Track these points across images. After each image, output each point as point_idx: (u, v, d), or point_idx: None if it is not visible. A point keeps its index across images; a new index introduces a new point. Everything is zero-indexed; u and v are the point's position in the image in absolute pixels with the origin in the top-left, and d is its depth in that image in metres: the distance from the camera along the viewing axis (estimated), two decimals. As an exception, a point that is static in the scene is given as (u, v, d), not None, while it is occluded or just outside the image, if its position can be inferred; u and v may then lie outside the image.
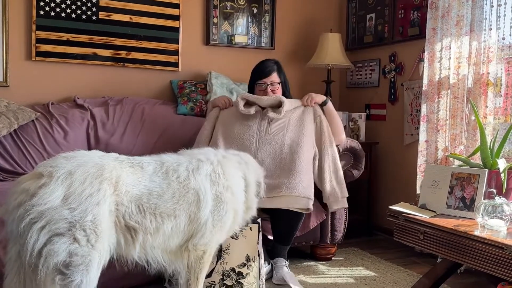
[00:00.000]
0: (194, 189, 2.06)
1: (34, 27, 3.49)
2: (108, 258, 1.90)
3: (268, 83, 3.14)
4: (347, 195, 3.07)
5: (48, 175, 1.79)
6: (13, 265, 1.81)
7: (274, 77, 3.16)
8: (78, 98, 3.56)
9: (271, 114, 3.02)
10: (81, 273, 1.77)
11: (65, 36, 3.58)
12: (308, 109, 3.12)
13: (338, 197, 3.03)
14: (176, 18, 3.90)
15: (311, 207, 2.87)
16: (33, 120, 3.26)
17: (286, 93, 3.21)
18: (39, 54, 3.52)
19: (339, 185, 3.04)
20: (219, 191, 2.13)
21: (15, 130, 3.17)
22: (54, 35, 3.55)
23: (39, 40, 3.51)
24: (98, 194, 1.81)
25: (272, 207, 2.84)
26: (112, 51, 3.72)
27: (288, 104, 3.06)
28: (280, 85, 3.19)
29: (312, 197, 2.89)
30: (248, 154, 2.51)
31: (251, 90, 3.25)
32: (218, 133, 3.09)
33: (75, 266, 1.75)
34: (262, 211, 2.99)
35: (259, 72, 3.18)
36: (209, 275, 2.50)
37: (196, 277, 2.17)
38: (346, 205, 3.09)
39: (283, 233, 2.94)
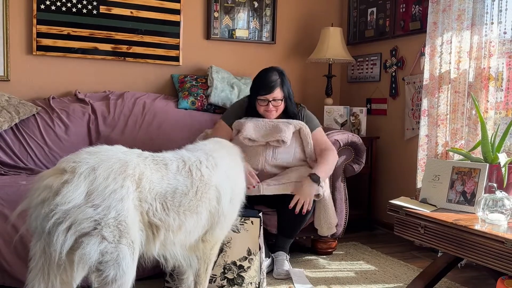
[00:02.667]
0: (214, 185, 2.11)
1: (35, 21, 3.48)
2: (140, 249, 1.91)
3: (270, 100, 2.90)
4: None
5: (71, 171, 1.78)
6: (38, 261, 1.80)
7: (277, 93, 2.90)
8: (79, 92, 3.56)
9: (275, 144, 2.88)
10: (112, 268, 1.78)
11: (66, 30, 3.58)
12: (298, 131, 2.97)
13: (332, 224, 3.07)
14: (177, 12, 3.90)
15: (321, 193, 2.88)
16: (34, 115, 3.26)
17: (289, 108, 2.99)
18: (40, 48, 3.52)
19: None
20: (231, 186, 2.21)
21: (16, 125, 3.18)
22: (55, 29, 3.55)
23: (40, 34, 3.51)
24: (122, 190, 1.81)
25: (285, 192, 2.82)
26: (112, 45, 3.72)
27: (288, 133, 2.87)
28: (284, 100, 2.96)
29: (323, 185, 2.90)
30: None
31: (252, 100, 2.98)
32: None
33: (106, 262, 1.77)
34: (267, 205, 3.00)
35: (261, 87, 2.91)
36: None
37: (206, 267, 2.25)
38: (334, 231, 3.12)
39: (290, 225, 2.94)
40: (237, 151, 2.45)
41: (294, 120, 2.97)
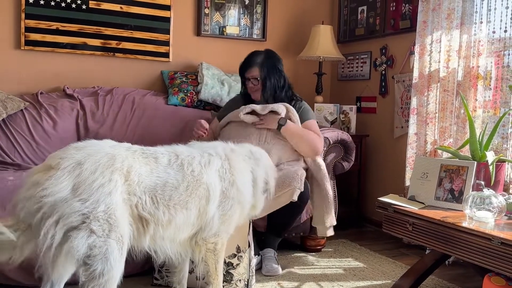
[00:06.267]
0: (205, 184, 2.06)
1: (23, 15, 3.44)
2: (129, 244, 1.90)
3: (248, 77, 2.99)
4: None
5: (56, 167, 1.79)
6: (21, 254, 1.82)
7: (255, 71, 2.97)
8: (67, 88, 3.53)
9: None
10: (100, 262, 1.78)
11: (54, 25, 3.54)
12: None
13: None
14: (167, 8, 3.87)
15: (296, 198, 2.72)
16: (22, 110, 3.23)
17: (277, 96, 3.02)
18: (28, 43, 3.48)
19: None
20: (225, 187, 2.12)
21: (3, 120, 3.14)
22: (43, 24, 3.51)
23: (28, 29, 3.47)
24: (110, 184, 1.81)
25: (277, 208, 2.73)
26: (102, 40, 3.69)
27: (281, 109, 2.90)
28: (260, 82, 2.98)
29: (302, 188, 2.87)
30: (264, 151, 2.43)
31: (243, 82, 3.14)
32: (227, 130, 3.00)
33: (94, 256, 1.77)
34: None
35: (242, 65, 3.05)
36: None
37: (214, 269, 2.20)
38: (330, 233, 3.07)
39: (279, 224, 2.94)
40: (247, 157, 2.29)
41: (286, 104, 2.98)
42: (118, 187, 1.83)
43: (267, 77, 2.99)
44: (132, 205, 1.88)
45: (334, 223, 3.06)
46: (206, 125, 2.93)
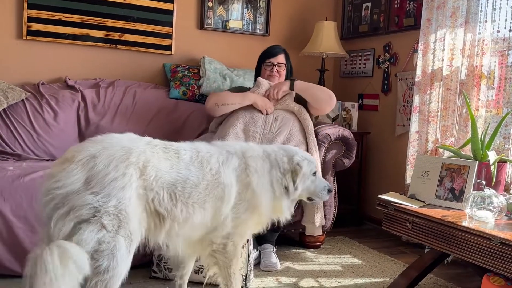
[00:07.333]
0: (223, 184, 1.99)
1: (25, 5, 3.43)
2: (138, 241, 1.88)
3: (275, 63, 3.23)
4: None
5: (71, 159, 1.79)
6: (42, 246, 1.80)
7: (281, 58, 3.27)
8: (69, 79, 3.52)
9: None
10: (107, 258, 1.76)
11: (57, 15, 3.53)
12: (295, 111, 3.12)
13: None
14: (170, 0, 3.85)
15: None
16: (23, 100, 3.22)
17: (290, 78, 3.27)
18: (30, 33, 3.47)
19: None
20: (241, 189, 2.04)
21: (4, 110, 3.14)
22: (46, 14, 3.50)
23: (31, 19, 3.46)
24: (124, 178, 1.78)
25: None
26: (104, 32, 3.67)
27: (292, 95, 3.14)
28: (285, 69, 3.27)
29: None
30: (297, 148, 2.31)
31: (258, 72, 3.32)
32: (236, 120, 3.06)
33: (101, 252, 1.75)
34: None
35: (267, 53, 3.30)
36: (197, 259, 2.51)
37: (227, 274, 2.09)
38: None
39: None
40: (265, 156, 2.14)
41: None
42: (132, 182, 1.80)
43: (290, 68, 3.36)
44: (149, 200, 1.85)
45: (323, 222, 3.09)
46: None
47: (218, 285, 2.19)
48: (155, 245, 1.98)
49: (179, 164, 1.94)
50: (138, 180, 1.82)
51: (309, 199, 2.24)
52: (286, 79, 3.26)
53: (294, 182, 2.11)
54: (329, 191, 2.22)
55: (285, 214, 2.17)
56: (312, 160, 2.21)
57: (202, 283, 2.53)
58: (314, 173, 2.20)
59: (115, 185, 1.76)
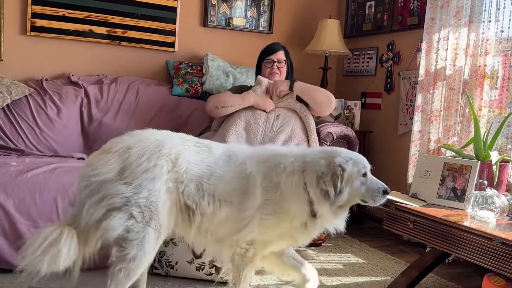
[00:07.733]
0: (247, 176, 1.92)
1: (30, 1, 3.43)
2: (167, 234, 1.93)
3: (275, 60, 3.22)
4: None
5: (108, 150, 1.88)
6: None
7: (281, 55, 3.26)
8: (72, 75, 3.52)
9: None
10: (135, 247, 1.81)
11: (61, 11, 3.53)
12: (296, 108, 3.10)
13: None
14: (174, -3, 3.86)
15: None
16: (26, 96, 3.23)
17: (290, 78, 3.26)
18: (34, 29, 3.48)
19: None
20: (267, 185, 1.91)
21: (7, 105, 3.15)
22: (50, 10, 3.50)
23: (35, 15, 3.46)
24: (154, 169, 1.84)
25: None
26: (108, 28, 3.68)
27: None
28: (286, 65, 3.27)
29: None
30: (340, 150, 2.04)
31: (258, 71, 3.30)
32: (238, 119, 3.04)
33: (130, 241, 1.81)
34: None
35: (267, 50, 3.30)
36: (199, 256, 2.52)
37: (238, 274, 1.99)
38: None
39: None
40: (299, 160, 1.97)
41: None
42: (163, 174, 1.85)
43: (291, 65, 3.35)
44: (179, 193, 1.88)
45: None
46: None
47: (226, 283, 2.11)
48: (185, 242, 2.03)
49: (209, 157, 1.97)
50: (169, 173, 1.87)
51: (363, 201, 2.02)
52: (286, 76, 3.25)
53: (335, 186, 1.88)
54: (385, 192, 1.99)
55: (329, 220, 2.01)
56: (359, 160, 1.97)
57: (203, 280, 2.53)
58: (365, 174, 1.97)
59: (146, 176, 1.82)
